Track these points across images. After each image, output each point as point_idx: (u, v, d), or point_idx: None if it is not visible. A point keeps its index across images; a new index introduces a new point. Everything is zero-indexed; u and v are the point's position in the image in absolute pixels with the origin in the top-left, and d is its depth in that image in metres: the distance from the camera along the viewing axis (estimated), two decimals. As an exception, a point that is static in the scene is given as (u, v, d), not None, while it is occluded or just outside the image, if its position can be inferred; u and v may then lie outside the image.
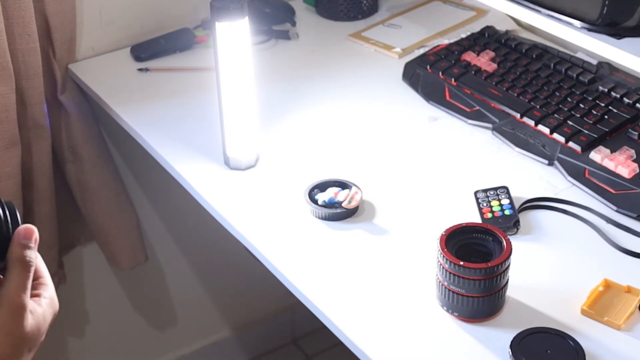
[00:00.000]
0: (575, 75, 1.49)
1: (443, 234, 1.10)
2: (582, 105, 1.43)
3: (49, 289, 0.91)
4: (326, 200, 1.28)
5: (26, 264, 0.87)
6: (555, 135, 1.39)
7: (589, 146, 1.36)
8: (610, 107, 1.42)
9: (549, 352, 1.04)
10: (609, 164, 1.32)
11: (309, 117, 1.52)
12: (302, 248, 1.24)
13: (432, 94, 1.54)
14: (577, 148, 1.36)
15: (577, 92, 1.46)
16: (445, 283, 1.09)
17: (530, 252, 1.22)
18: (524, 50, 1.57)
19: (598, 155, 1.34)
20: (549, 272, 1.19)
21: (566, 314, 1.11)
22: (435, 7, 1.84)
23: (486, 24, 1.68)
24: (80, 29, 1.66)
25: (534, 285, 1.16)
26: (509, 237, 1.11)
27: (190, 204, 1.46)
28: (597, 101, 1.43)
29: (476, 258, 1.10)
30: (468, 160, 1.41)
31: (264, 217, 1.30)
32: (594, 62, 1.53)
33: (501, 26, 1.69)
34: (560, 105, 1.44)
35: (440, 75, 1.56)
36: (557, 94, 1.47)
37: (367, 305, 1.15)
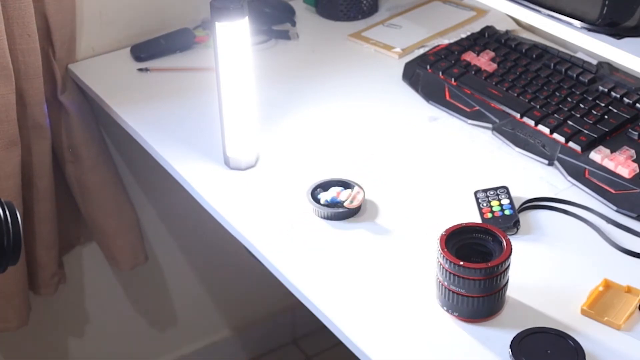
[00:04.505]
0: (575, 75, 1.49)
1: (443, 234, 1.10)
2: (582, 105, 1.43)
3: None
4: (328, 200, 1.28)
5: None
6: (555, 135, 1.39)
7: (589, 146, 1.36)
8: (610, 107, 1.42)
9: (549, 352, 1.04)
10: (609, 164, 1.32)
11: (309, 117, 1.52)
12: (302, 248, 1.24)
13: (432, 94, 1.54)
14: (577, 148, 1.36)
15: (577, 92, 1.46)
16: (445, 283, 1.09)
17: (530, 252, 1.22)
18: (524, 50, 1.57)
19: (598, 155, 1.34)
20: (549, 272, 1.19)
21: (566, 314, 1.11)
22: (435, 7, 1.84)
23: (486, 24, 1.68)
24: (80, 29, 1.66)
25: (534, 285, 1.16)
26: (509, 237, 1.11)
27: (190, 204, 1.46)
28: (597, 101, 1.43)
29: (476, 258, 1.10)
30: (468, 160, 1.41)
31: (264, 217, 1.30)
32: (594, 62, 1.53)
33: (501, 26, 1.69)
34: (560, 105, 1.44)
35: (440, 75, 1.56)
36: (557, 94, 1.47)
37: (367, 305, 1.15)
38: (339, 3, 1.79)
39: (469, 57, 1.58)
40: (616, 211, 1.28)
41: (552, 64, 1.52)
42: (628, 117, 1.40)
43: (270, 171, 1.39)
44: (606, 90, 1.45)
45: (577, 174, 1.34)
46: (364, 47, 1.72)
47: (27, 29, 1.50)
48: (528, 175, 1.36)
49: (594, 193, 1.31)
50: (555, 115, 1.42)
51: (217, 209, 1.32)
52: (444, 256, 1.08)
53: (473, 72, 1.54)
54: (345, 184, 1.31)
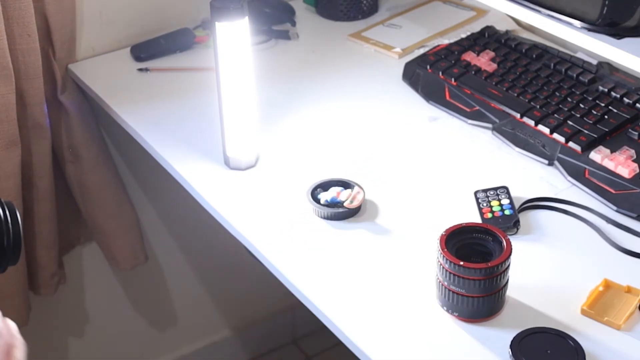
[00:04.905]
0: (575, 75, 1.49)
1: (443, 234, 1.10)
2: (582, 105, 1.43)
3: None
4: (328, 200, 1.28)
5: None
6: (555, 135, 1.39)
7: (589, 146, 1.36)
8: (610, 107, 1.42)
9: (549, 352, 1.04)
10: (609, 164, 1.32)
11: (309, 117, 1.52)
12: (302, 248, 1.24)
13: (432, 94, 1.54)
14: (577, 148, 1.36)
15: (577, 92, 1.46)
16: (445, 283, 1.09)
17: (530, 252, 1.22)
18: (524, 50, 1.57)
19: (598, 155, 1.34)
20: (549, 272, 1.19)
21: (566, 314, 1.11)
22: (435, 7, 1.84)
23: (486, 24, 1.68)
24: (80, 29, 1.66)
25: (534, 285, 1.16)
26: (509, 237, 1.11)
27: (190, 204, 1.46)
28: (597, 101, 1.43)
29: (476, 258, 1.10)
30: (468, 160, 1.41)
31: (264, 217, 1.30)
32: (594, 62, 1.53)
33: (501, 26, 1.69)
34: (560, 105, 1.44)
35: (440, 75, 1.56)
36: (557, 94, 1.47)
37: (367, 305, 1.15)
38: (339, 3, 1.79)
39: (469, 57, 1.58)
40: (616, 211, 1.28)
41: (552, 64, 1.52)
42: (628, 117, 1.40)
43: (270, 171, 1.39)
44: (606, 90, 1.45)
45: (577, 174, 1.34)
46: (364, 47, 1.72)
47: (27, 29, 1.50)
48: (528, 175, 1.36)
49: (594, 193, 1.31)
50: (555, 115, 1.42)
51: (217, 209, 1.32)
52: (444, 256, 1.08)
53: (473, 72, 1.54)
54: (345, 184, 1.31)
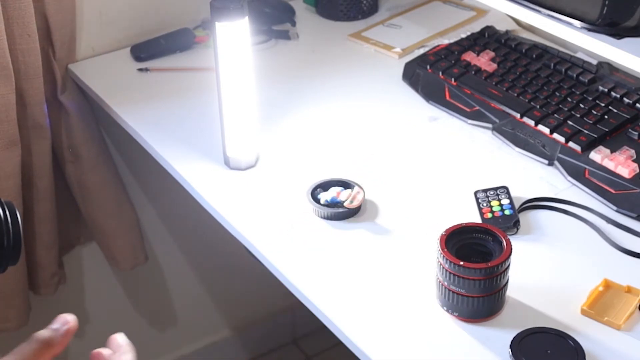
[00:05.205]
0: (575, 75, 1.49)
1: (443, 234, 1.10)
2: (582, 105, 1.43)
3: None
4: (328, 200, 1.28)
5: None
6: (555, 135, 1.39)
7: (589, 146, 1.36)
8: (610, 107, 1.42)
9: (549, 352, 1.04)
10: (609, 164, 1.32)
11: (309, 117, 1.52)
12: (302, 248, 1.24)
13: (432, 94, 1.54)
14: (577, 148, 1.36)
15: (577, 92, 1.46)
16: (445, 283, 1.09)
17: (530, 252, 1.22)
18: (524, 50, 1.57)
19: (598, 155, 1.34)
20: (549, 272, 1.19)
21: (566, 314, 1.11)
22: (435, 7, 1.84)
23: (486, 24, 1.68)
24: (80, 29, 1.66)
25: (534, 285, 1.16)
26: (509, 237, 1.11)
27: (190, 204, 1.46)
28: (597, 101, 1.43)
29: (476, 258, 1.10)
30: (468, 160, 1.41)
31: (264, 217, 1.30)
32: (594, 62, 1.53)
33: (501, 26, 1.69)
34: (560, 105, 1.44)
35: (440, 75, 1.56)
36: (557, 94, 1.47)
37: (367, 305, 1.15)
38: (339, 3, 1.79)
39: (469, 57, 1.58)
40: (616, 211, 1.28)
41: (552, 64, 1.52)
42: (628, 117, 1.40)
43: (270, 171, 1.39)
44: (606, 90, 1.45)
45: (577, 174, 1.34)
46: (364, 47, 1.72)
47: (27, 29, 1.50)
48: (528, 175, 1.36)
49: (594, 193, 1.31)
50: (555, 115, 1.42)
51: (217, 209, 1.32)
52: (444, 256, 1.08)
53: (473, 72, 1.54)
54: (345, 184, 1.31)
